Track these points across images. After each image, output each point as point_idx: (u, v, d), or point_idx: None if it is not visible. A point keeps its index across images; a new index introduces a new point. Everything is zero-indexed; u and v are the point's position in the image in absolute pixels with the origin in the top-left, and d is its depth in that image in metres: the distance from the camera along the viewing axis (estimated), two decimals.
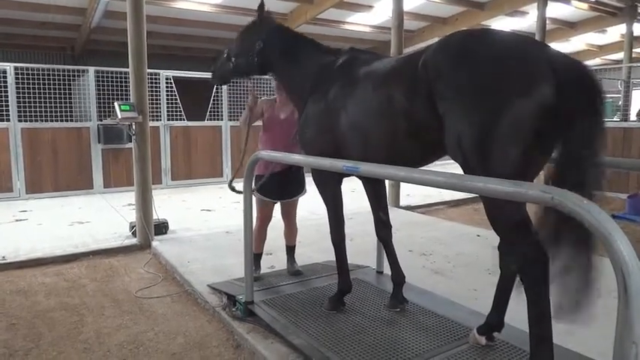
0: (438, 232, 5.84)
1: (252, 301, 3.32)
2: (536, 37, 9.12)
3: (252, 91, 3.95)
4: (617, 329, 1.22)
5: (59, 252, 4.97)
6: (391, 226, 3.34)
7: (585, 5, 10.92)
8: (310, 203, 4.69)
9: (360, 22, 10.70)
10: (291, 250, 4.18)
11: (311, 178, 3.32)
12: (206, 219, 6.65)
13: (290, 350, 2.80)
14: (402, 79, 2.44)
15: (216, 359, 2.95)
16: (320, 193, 3.24)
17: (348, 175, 2.80)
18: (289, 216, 4.08)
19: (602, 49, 16.37)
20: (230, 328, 3.28)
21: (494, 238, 2.31)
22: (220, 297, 3.68)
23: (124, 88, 8.41)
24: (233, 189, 3.74)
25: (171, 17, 9.47)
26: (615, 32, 14.18)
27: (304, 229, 4.53)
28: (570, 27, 12.81)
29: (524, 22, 11.10)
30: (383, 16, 10.17)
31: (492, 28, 11.74)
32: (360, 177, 3.06)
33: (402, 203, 7.54)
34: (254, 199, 3.66)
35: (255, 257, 4.00)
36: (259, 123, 3.99)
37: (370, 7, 9.88)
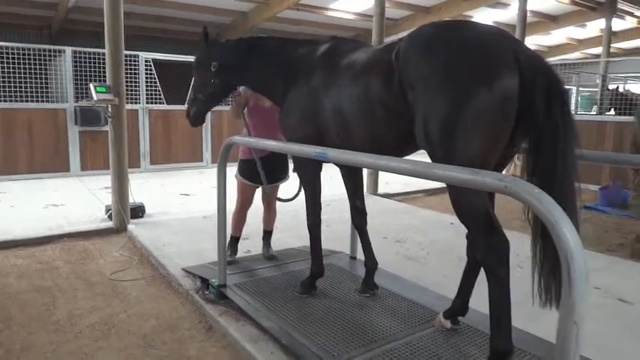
0: (413, 219, 5.93)
1: (225, 285, 3.36)
2: (517, 29, 9.24)
3: (238, 92, 3.92)
4: (561, 310, 1.28)
5: (32, 234, 4.91)
6: (366, 214, 3.39)
7: None
8: (290, 190, 4.72)
9: (344, 9, 10.66)
10: (267, 234, 4.21)
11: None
12: (184, 203, 6.63)
13: (260, 332, 2.84)
14: (378, 69, 2.47)
15: (188, 341, 2.98)
16: (299, 177, 3.28)
17: (327, 162, 2.84)
18: (269, 201, 4.11)
19: (582, 43, 16.62)
20: (203, 310, 3.30)
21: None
22: (194, 280, 3.70)
23: (102, 70, 8.22)
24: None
25: None
26: (595, 27, 14.40)
27: (282, 215, 4.56)
28: (551, 20, 12.96)
29: (506, 14, 11.20)
30: (366, 4, 10.14)
31: (472, 19, 11.82)
32: (337, 164, 3.10)
33: (380, 191, 7.62)
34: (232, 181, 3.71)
35: (231, 240, 4.05)
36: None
37: None
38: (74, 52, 8.41)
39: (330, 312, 2.98)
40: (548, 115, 2.00)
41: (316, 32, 11.43)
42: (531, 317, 2.56)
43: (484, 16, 11.75)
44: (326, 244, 4.29)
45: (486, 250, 2.14)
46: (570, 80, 10.80)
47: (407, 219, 5.93)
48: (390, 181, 8.30)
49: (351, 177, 3.34)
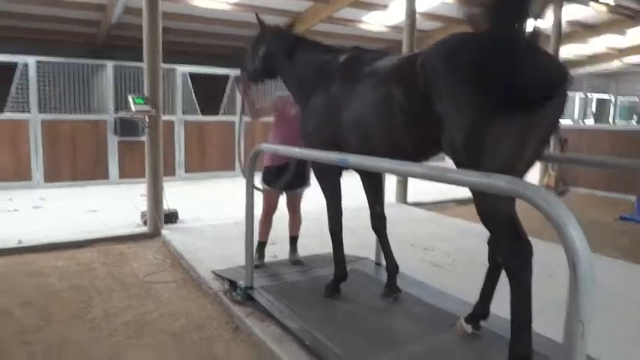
0: (442, 228, 5.90)
1: (252, 287, 3.45)
2: (551, 39, 9.09)
3: (248, 87, 4.09)
4: (568, 310, 1.31)
5: (73, 237, 5.17)
6: (385, 219, 3.43)
7: (603, 8, 10.79)
8: (318, 198, 4.81)
9: (376, 22, 10.75)
10: (293, 240, 4.30)
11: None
12: (216, 210, 6.81)
13: (285, 333, 2.92)
14: (401, 77, 2.53)
15: (215, 340, 3.08)
16: (319, 184, 3.37)
17: (347, 168, 2.91)
18: (294, 207, 4.21)
19: (622, 52, 16.10)
20: (230, 311, 3.41)
21: None
22: (223, 283, 3.82)
23: (141, 83, 8.62)
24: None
25: (189, 14, 9.66)
26: (636, 35, 13.96)
27: (309, 222, 4.64)
28: (588, 29, 12.65)
29: (542, 24, 10.98)
30: (398, 16, 10.20)
31: None
32: (357, 170, 3.16)
33: (410, 200, 7.60)
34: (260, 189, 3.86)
35: (259, 245, 4.15)
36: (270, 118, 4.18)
37: (385, 6, 9.93)
38: (115, 66, 8.83)
39: (352, 315, 3.03)
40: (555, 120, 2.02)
41: (350, 45, 11.57)
42: (550, 324, 2.54)
43: None
44: (352, 250, 4.37)
45: (510, 256, 2.15)
46: (607, 90, 10.52)
47: (435, 227, 5.90)
48: (420, 190, 8.27)
49: (371, 183, 3.39)
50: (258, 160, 3.45)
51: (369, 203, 3.45)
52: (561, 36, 9.15)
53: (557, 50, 8.97)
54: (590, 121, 11.27)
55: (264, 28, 3.78)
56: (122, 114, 8.48)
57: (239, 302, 3.44)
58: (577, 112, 11.85)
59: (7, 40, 10.26)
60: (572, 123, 11.23)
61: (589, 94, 9.42)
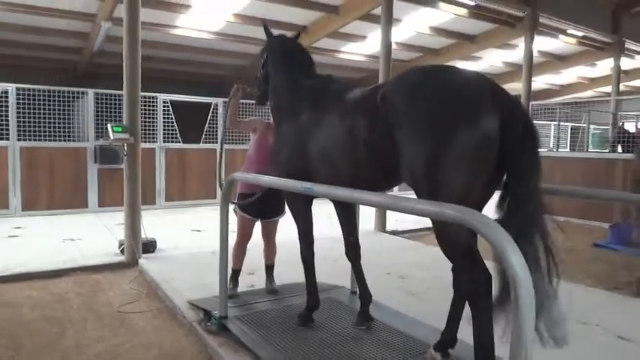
0: (419, 256, 5.98)
1: (226, 316, 3.46)
2: (524, 69, 9.46)
3: (241, 84, 4.10)
4: (512, 332, 1.38)
5: (47, 267, 5.12)
6: (359, 247, 3.50)
7: (573, 40, 11.28)
8: (286, 226, 4.82)
9: (355, 52, 11.07)
10: (269, 269, 4.32)
11: None
12: (195, 239, 6.80)
13: None
14: (364, 109, 2.65)
15: None
16: (291, 212, 3.43)
17: (317, 197, 2.97)
18: (269, 236, 4.24)
19: (594, 81, 16.75)
20: (204, 341, 3.41)
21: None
22: (198, 312, 3.82)
23: (122, 110, 8.67)
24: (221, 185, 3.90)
25: (171, 43, 9.83)
26: (605, 66, 14.57)
27: (287, 249, 4.67)
28: (560, 60, 13.17)
29: (515, 55, 11.45)
30: (376, 46, 10.53)
31: (481, 60, 12.12)
32: (331, 199, 3.24)
33: (390, 228, 7.69)
34: (233, 216, 3.89)
35: (233, 273, 4.17)
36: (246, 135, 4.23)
37: (364, 37, 10.25)
38: (96, 93, 8.88)
39: (323, 343, 3.06)
40: (519, 155, 2.13)
41: (331, 73, 11.84)
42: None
43: (493, 57, 12.04)
44: (332, 279, 4.41)
45: (468, 282, 2.23)
46: (580, 119, 10.90)
47: (412, 255, 5.98)
48: (400, 219, 8.37)
49: (344, 212, 3.47)
50: (232, 187, 3.51)
51: (342, 231, 3.52)
52: (532, 67, 9.52)
53: (529, 79, 9.32)
54: (565, 149, 11.65)
55: (268, 35, 3.69)
56: (100, 142, 8.50)
57: (213, 332, 3.44)
58: (552, 141, 12.28)
59: None
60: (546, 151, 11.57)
61: (562, 123, 9.79)
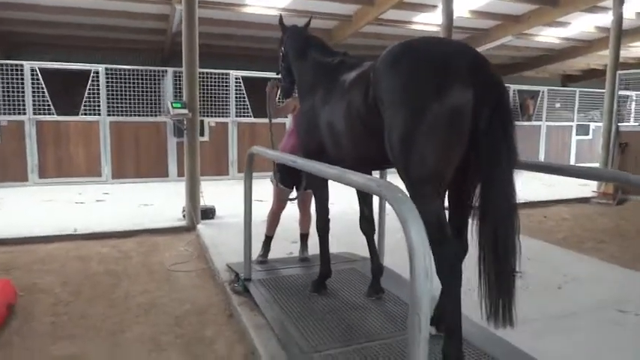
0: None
1: (250, 279, 3.76)
2: (611, 35, 8.58)
3: (275, 82, 4.36)
4: (409, 303, 1.45)
5: (120, 228, 5.81)
6: (374, 221, 3.57)
7: None
8: (340, 198, 5.00)
9: (427, 22, 10.68)
10: (304, 237, 4.54)
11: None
12: (255, 208, 7.18)
13: (265, 322, 3.18)
14: (360, 84, 2.70)
15: (209, 324, 3.42)
16: (310, 185, 3.60)
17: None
18: (304, 205, 4.44)
19: None
20: (229, 300, 3.74)
21: (523, 243, 2.29)
22: (231, 274, 4.16)
23: (200, 87, 9.32)
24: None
25: (244, 21, 10.23)
26: None
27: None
28: None
29: (606, 19, 10.31)
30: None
31: (570, 25, 11.09)
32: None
33: None
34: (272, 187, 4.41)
35: (266, 239, 4.46)
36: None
37: (434, 6, 9.85)
38: (174, 72, 9.58)
39: (329, 310, 3.23)
40: (488, 132, 2.09)
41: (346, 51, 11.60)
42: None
43: (582, 22, 10.97)
44: (361, 250, 4.52)
45: (437, 260, 2.25)
46: None
47: None
48: None
49: None
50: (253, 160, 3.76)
51: (359, 204, 3.61)
52: (622, 31, 8.59)
53: (617, 46, 8.45)
54: None
55: (283, 29, 3.93)
56: (162, 117, 9.23)
57: (238, 292, 3.76)
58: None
59: (81, 50, 11.51)
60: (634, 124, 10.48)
61: None
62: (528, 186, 9.00)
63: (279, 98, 4.42)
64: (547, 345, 2.91)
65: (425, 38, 2.42)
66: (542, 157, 12.97)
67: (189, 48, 5.76)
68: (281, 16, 4.03)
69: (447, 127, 2.13)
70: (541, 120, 13.01)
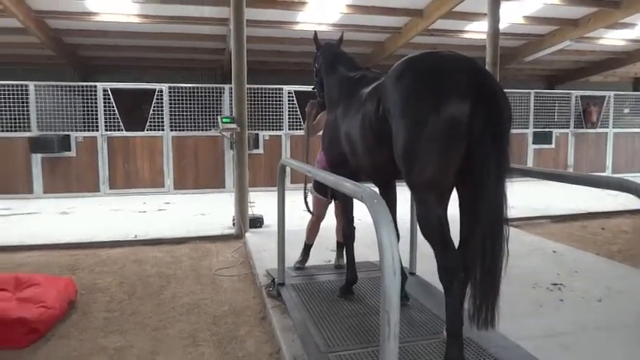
0: (512, 244, 5.71)
1: (283, 283, 3.97)
2: None
3: (315, 102, 4.59)
4: (381, 299, 1.59)
5: (175, 235, 6.26)
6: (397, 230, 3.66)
7: None
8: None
9: (478, 30, 10.53)
10: (340, 245, 4.70)
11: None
12: (303, 217, 7.44)
13: (292, 324, 3.37)
14: (373, 98, 2.85)
15: (243, 324, 3.67)
16: (334, 193, 3.78)
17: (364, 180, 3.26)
18: (340, 215, 4.61)
19: None
20: (264, 303, 3.97)
21: (571, 255, 2.42)
22: (269, 279, 4.40)
23: (253, 103, 9.84)
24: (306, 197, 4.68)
25: (295, 38, 10.64)
26: None
27: (361, 231, 4.98)
28: None
29: None
30: (503, 24, 9.91)
31: (636, 26, 10.50)
32: (376, 184, 3.48)
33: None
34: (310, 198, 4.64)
35: (305, 247, 4.67)
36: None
37: (485, 14, 9.73)
38: (230, 89, 10.09)
39: (352, 314, 3.36)
40: (478, 143, 2.17)
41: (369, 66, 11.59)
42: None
43: None
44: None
45: (438, 265, 2.35)
46: None
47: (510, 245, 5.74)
48: (515, 206, 7.93)
49: (384, 193, 3.60)
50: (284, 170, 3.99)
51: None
52: None
53: None
54: None
55: (317, 45, 4.16)
56: (212, 132, 9.77)
57: (273, 296, 3.98)
58: None
59: (146, 70, 12.43)
60: None
61: None
62: (590, 195, 8.60)
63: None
64: (573, 357, 2.88)
65: (428, 53, 2.54)
66: (609, 165, 12.27)
67: (237, 67, 6.15)
68: (315, 33, 4.24)
69: (445, 139, 2.24)
70: (607, 127, 12.32)
